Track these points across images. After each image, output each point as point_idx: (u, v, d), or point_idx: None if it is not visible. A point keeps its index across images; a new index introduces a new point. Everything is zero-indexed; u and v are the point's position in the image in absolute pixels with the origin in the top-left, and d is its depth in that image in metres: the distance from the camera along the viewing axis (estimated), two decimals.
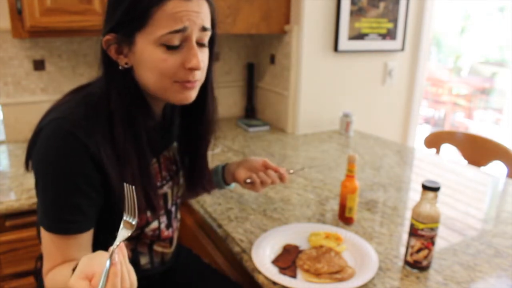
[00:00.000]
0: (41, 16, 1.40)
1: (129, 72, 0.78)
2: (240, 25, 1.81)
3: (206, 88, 0.89)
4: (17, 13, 1.41)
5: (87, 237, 0.79)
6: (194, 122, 0.94)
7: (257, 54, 2.22)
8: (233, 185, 1.14)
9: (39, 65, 1.74)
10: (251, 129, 2.06)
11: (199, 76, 0.80)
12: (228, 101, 2.25)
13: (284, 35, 1.97)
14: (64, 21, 1.44)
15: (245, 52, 2.24)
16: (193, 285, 1.07)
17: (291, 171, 1.09)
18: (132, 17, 0.73)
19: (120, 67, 0.78)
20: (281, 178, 1.05)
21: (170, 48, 0.74)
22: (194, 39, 0.76)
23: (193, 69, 0.77)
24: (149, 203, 0.84)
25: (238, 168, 1.07)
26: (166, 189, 0.95)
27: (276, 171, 1.05)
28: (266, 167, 1.05)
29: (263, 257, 0.97)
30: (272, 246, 1.02)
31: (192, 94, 0.81)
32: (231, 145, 1.83)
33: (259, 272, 0.92)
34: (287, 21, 1.94)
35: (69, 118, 0.74)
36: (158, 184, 0.92)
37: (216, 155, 1.68)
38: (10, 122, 1.74)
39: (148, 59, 0.75)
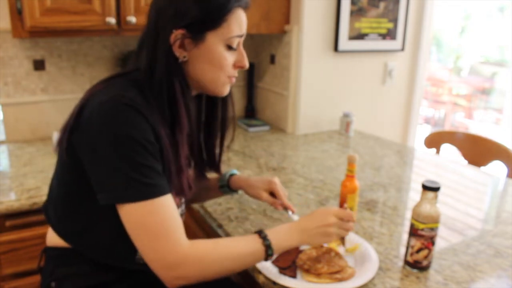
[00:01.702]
0: (41, 16, 1.40)
1: (184, 64, 0.86)
2: None
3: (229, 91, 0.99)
4: (17, 13, 1.41)
5: (174, 202, 0.81)
6: (213, 117, 1.03)
7: (257, 54, 2.22)
8: (240, 191, 1.15)
9: (39, 65, 1.74)
10: (251, 129, 2.06)
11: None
12: None
13: (284, 35, 1.97)
14: (64, 21, 1.44)
15: (245, 52, 2.23)
16: (193, 285, 1.07)
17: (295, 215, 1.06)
18: (209, 18, 0.82)
19: (180, 60, 0.84)
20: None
21: (230, 48, 0.87)
22: (241, 44, 0.91)
23: (241, 68, 0.92)
24: (190, 187, 0.91)
25: (258, 189, 1.08)
26: None
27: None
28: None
29: None
30: None
31: (229, 89, 0.95)
32: (231, 145, 1.82)
33: (259, 272, 0.92)
34: (287, 21, 1.94)
35: (126, 95, 0.77)
36: None
37: None
38: (10, 122, 1.74)
39: (214, 56, 0.86)
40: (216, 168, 1.08)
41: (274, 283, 0.89)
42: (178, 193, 0.87)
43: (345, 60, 2.07)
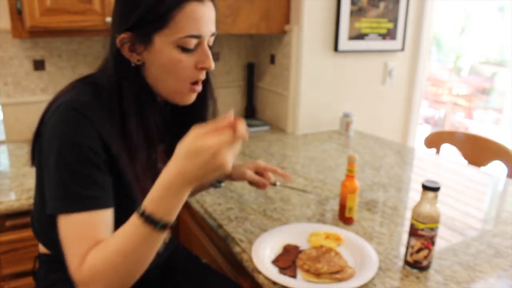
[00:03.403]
0: (41, 16, 1.40)
1: (140, 69, 0.81)
2: (240, 25, 1.81)
3: (206, 89, 0.92)
4: (17, 13, 1.41)
5: (111, 216, 0.76)
6: (191, 120, 0.93)
7: (257, 54, 2.22)
8: (223, 184, 1.17)
9: (39, 65, 1.74)
10: (251, 129, 2.06)
11: (204, 76, 0.85)
12: (228, 101, 2.25)
13: (284, 35, 1.97)
14: (64, 21, 1.44)
15: (245, 52, 2.24)
16: (193, 285, 1.07)
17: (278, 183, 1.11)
18: (152, 18, 0.75)
19: (133, 64, 0.80)
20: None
21: (185, 50, 0.79)
22: (205, 42, 0.81)
23: (205, 69, 0.82)
24: None
25: (242, 167, 1.09)
26: None
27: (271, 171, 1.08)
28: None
29: (263, 257, 0.97)
30: (272, 246, 1.02)
31: (194, 97, 0.86)
32: None
33: (259, 272, 0.92)
34: (287, 21, 1.94)
35: (79, 100, 0.76)
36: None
37: None
38: (10, 122, 1.74)
39: (165, 59, 0.78)
40: None
41: (274, 283, 0.88)
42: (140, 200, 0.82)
43: (345, 60, 2.06)
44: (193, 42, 0.79)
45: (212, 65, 0.82)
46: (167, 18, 0.75)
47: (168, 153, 0.98)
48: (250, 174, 1.07)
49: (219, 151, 0.66)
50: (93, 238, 0.71)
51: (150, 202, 0.69)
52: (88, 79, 0.85)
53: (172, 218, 0.70)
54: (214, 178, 0.79)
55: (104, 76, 0.82)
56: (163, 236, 0.71)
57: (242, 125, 0.68)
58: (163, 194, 0.68)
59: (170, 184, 0.68)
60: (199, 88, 0.84)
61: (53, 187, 0.74)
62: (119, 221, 0.78)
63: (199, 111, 0.94)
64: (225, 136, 0.67)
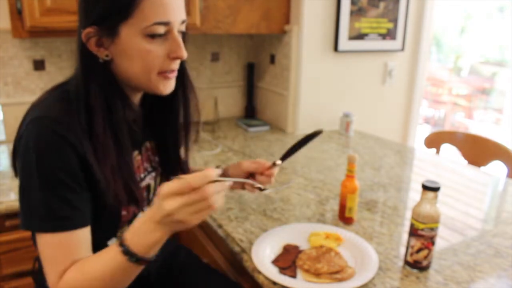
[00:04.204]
0: (41, 16, 1.40)
1: (108, 64, 0.78)
2: (240, 25, 1.81)
3: (184, 79, 0.90)
4: (17, 13, 1.41)
5: (87, 234, 0.77)
6: (174, 112, 0.93)
7: (257, 54, 2.22)
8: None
9: (39, 65, 1.74)
10: (251, 129, 2.06)
11: (178, 66, 0.83)
12: (228, 101, 2.25)
13: (284, 35, 1.97)
14: (64, 21, 1.44)
15: (245, 52, 2.24)
16: (193, 285, 1.07)
17: (278, 162, 1.02)
18: (116, 8, 0.73)
19: (101, 60, 0.77)
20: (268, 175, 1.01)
21: (154, 39, 0.75)
22: (175, 31, 0.78)
23: (178, 58, 0.79)
24: (131, 196, 0.82)
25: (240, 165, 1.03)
26: (149, 180, 0.95)
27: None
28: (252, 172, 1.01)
29: (263, 257, 0.97)
30: (272, 246, 1.02)
31: (172, 84, 0.83)
32: (231, 145, 1.83)
33: (259, 272, 0.92)
34: (287, 21, 1.94)
35: (49, 116, 0.74)
36: (142, 175, 0.92)
37: (216, 155, 1.68)
38: (10, 122, 1.74)
39: (133, 50, 0.76)
40: (180, 171, 1.00)
41: (274, 283, 0.88)
42: (120, 203, 0.81)
43: (345, 60, 2.07)
44: (161, 30, 0.75)
45: (183, 54, 0.79)
46: (131, 7, 0.72)
47: (157, 151, 0.98)
48: (247, 164, 1.01)
49: (175, 215, 0.67)
50: (69, 258, 0.74)
51: (131, 234, 0.71)
52: (61, 86, 0.83)
53: (148, 255, 0.72)
54: (182, 229, 0.75)
55: (75, 78, 0.80)
56: (141, 268, 0.73)
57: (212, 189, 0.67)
58: (140, 232, 0.71)
59: (146, 224, 0.70)
60: (172, 75, 0.81)
61: (26, 205, 0.74)
62: (102, 229, 0.81)
63: (181, 106, 0.92)
64: (184, 200, 0.66)
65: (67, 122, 0.74)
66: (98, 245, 0.80)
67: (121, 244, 0.71)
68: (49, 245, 0.74)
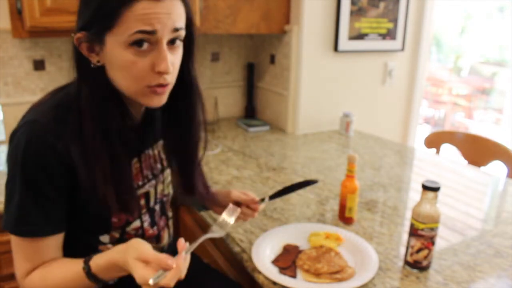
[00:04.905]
0: (41, 16, 1.40)
1: (101, 70, 0.76)
2: (240, 25, 1.81)
3: (191, 88, 0.87)
4: (17, 13, 1.41)
5: (54, 241, 0.81)
6: (180, 122, 0.91)
7: (257, 54, 2.22)
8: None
9: (39, 65, 1.74)
10: (251, 129, 2.06)
11: (170, 79, 0.78)
12: (228, 101, 2.25)
13: (284, 35, 1.97)
14: (64, 21, 1.44)
15: (245, 52, 2.24)
16: (193, 285, 1.07)
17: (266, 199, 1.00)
18: (101, 16, 0.71)
19: (92, 65, 0.76)
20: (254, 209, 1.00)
21: (140, 49, 0.71)
22: (164, 41, 0.73)
23: (161, 73, 0.74)
24: (123, 205, 0.81)
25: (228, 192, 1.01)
26: (148, 187, 0.93)
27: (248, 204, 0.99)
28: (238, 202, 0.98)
29: (263, 257, 0.97)
30: (272, 246, 1.02)
31: (162, 99, 0.79)
32: (231, 145, 1.83)
33: (259, 272, 0.92)
34: (287, 21, 1.94)
35: (41, 121, 0.75)
36: (140, 183, 0.90)
37: (216, 155, 1.68)
38: (10, 122, 1.74)
39: (118, 61, 0.73)
40: (191, 190, 0.97)
41: (274, 283, 0.89)
42: (110, 210, 0.81)
43: (345, 60, 2.07)
44: (146, 39, 0.71)
45: (167, 68, 0.72)
46: (114, 17, 0.69)
47: (166, 152, 0.98)
48: (236, 193, 0.99)
49: (138, 280, 0.69)
50: (38, 259, 0.80)
51: (98, 259, 0.76)
52: (63, 89, 0.83)
53: (106, 281, 0.79)
54: None
55: (74, 81, 0.80)
56: (98, 286, 0.79)
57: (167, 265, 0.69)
58: (106, 266, 0.75)
59: (112, 264, 0.75)
60: (161, 90, 0.76)
61: (7, 205, 0.79)
62: (91, 223, 0.85)
63: (186, 113, 0.89)
64: (153, 271, 0.68)
65: (58, 129, 0.75)
66: (86, 243, 0.87)
67: (86, 262, 0.76)
68: (19, 245, 0.79)
